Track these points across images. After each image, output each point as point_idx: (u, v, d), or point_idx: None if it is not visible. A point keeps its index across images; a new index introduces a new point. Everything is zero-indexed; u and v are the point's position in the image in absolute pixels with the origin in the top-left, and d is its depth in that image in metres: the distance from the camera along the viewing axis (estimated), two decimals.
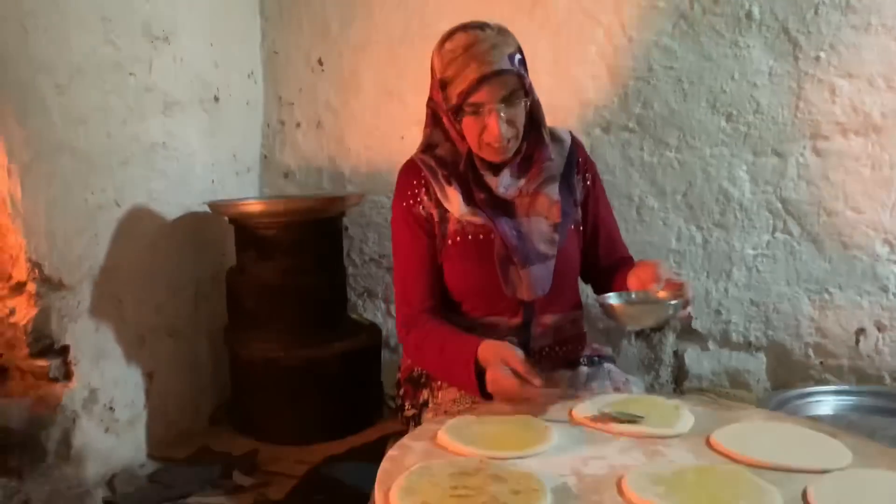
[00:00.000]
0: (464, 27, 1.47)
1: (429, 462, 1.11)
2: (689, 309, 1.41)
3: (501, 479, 1.04)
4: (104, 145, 2.00)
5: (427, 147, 1.60)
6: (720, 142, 2.34)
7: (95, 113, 1.96)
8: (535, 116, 1.55)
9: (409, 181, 1.60)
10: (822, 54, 2.23)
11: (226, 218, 2.39)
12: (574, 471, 1.09)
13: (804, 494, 0.98)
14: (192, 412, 2.43)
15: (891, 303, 2.25)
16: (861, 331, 2.29)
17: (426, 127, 1.61)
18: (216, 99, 2.53)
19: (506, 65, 1.41)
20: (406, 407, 1.67)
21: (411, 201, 1.59)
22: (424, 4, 2.58)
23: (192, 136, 2.41)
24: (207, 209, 2.35)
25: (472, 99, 1.42)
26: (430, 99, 1.58)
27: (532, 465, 1.11)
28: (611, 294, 1.43)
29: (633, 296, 1.41)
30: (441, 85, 1.48)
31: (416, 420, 1.61)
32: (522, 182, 1.56)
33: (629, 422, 1.24)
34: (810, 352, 2.34)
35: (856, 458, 1.10)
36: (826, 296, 2.31)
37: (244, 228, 2.31)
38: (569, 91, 2.44)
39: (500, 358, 1.34)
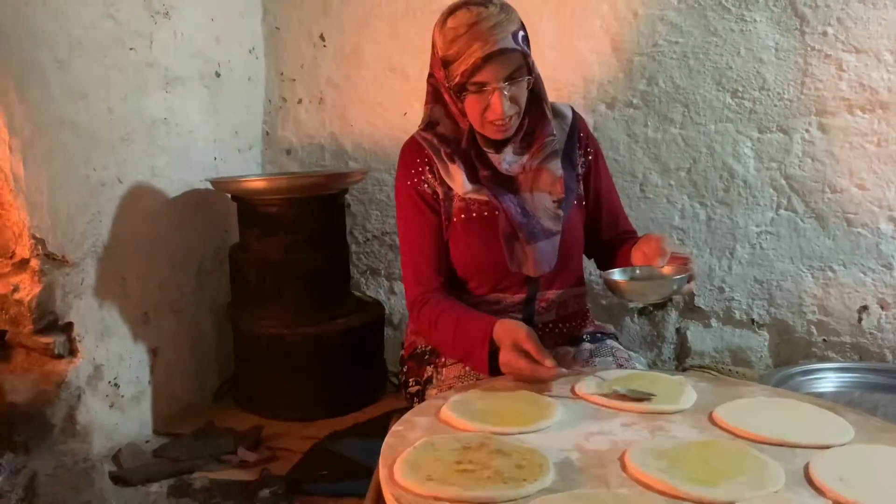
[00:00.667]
0: (466, 3, 1.44)
1: (433, 437, 1.11)
2: (693, 284, 1.41)
3: (505, 453, 1.04)
4: (105, 121, 1.99)
5: (428, 124, 1.58)
6: (725, 118, 2.33)
7: (96, 88, 1.94)
8: (536, 92, 1.54)
9: (412, 159, 1.59)
10: (830, 29, 2.20)
11: (228, 195, 2.39)
12: (577, 446, 1.10)
13: (806, 469, 0.98)
14: (196, 388, 2.45)
15: (894, 280, 2.24)
16: (864, 308, 2.29)
17: (427, 103, 1.59)
18: (217, 75, 2.51)
19: (510, 43, 1.39)
20: (410, 383, 1.68)
21: (416, 179, 1.58)
22: None
23: (194, 112, 2.39)
24: (210, 186, 2.35)
25: (476, 78, 1.41)
26: (431, 75, 1.56)
27: (535, 440, 1.11)
28: (615, 270, 1.43)
29: (638, 271, 1.41)
30: (443, 63, 1.46)
31: (420, 396, 1.61)
32: (525, 158, 1.55)
33: (640, 400, 1.23)
34: (813, 329, 2.34)
35: (858, 433, 1.10)
36: (830, 273, 2.31)
37: (247, 205, 2.31)
38: (573, 66, 2.42)
39: (513, 339, 1.34)
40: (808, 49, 2.23)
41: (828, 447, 1.05)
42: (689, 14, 2.30)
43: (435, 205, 1.57)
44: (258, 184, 2.27)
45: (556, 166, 1.55)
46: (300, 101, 2.79)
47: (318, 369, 2.29)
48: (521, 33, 1.44)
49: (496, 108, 1.43)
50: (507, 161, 1.54)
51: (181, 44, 2.29)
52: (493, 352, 1.39)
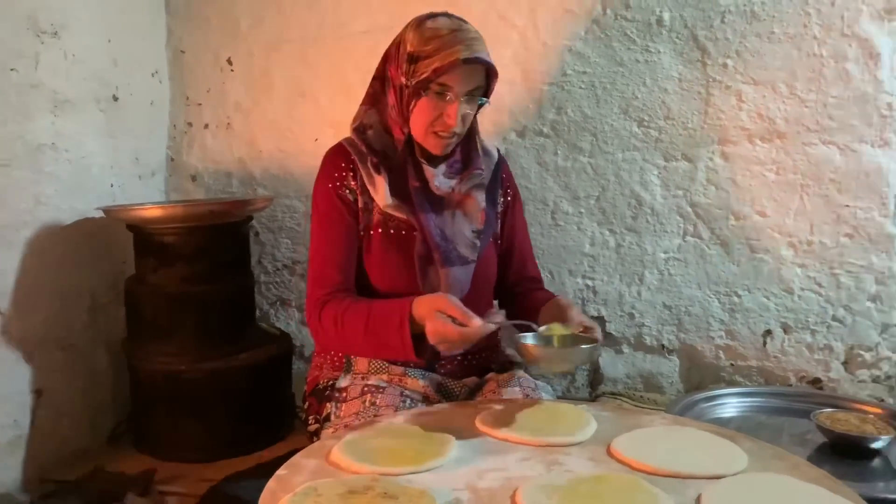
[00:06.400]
0: (446, 14, 1.46)
1: (316, 482, 1.04)
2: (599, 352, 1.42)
3: (392, 496, 0.99)
4: None
5: (359, 127, 1.56)
6: (632, 147, 2.36)
7: None
8: (472, 124, 1.56)
9: (336, 162, 1.56)
10: (730, 61, 2.27)
11: (124, 224, 2.26)
12: (469, 485, 1.05)
13: (698, 501, 0.96)
14: (87, 430, 2.28)
15: (795, 304, 2.30)
16: (768, 332, 2.33)
17: (363, 104, 1.57)
18: (115, 98, 2.39)
19: (487, 57, 1.42)
20: (309, 421, 1.61)
21: (337, 183, 1.54)
22: (337, 4, 2.51)
23: (88, 137, 2.26)
24: (103, 215, 2.22)
25: (445, 79, 1.40)
26: (378, 78, 1.54)
27: (427, 480, 1.06)
28: (527, 335, 1.37)
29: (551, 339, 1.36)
30: (411, 58, 1.43)
31: (319, 435, 1.55)
32: (455, 182, 1.55)
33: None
34: (721, 354, 2.37)
35: (751, 461, 1.10)
36: (735, 298, 2.35)
37: (142, 234, 2.18)
38: None
39: (436, 308, 1.29)
40: (710, 80, 2.29)
41: (721, 477, 1.04)
42: (596, 45, 2.33)
43: (354, 211, 1.53)
44: (153, 212, 2.15)
45: (481, 198, 1.57)
46: (206, 126, 2.70)
47: (220, 407, 2.17)
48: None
49: (451, 117, 1.42)
50: (438, 179, 1.54)
51: (73, 65, 2.17)
52: (417, 337, 1.34)
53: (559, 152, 2.40)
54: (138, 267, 2.24)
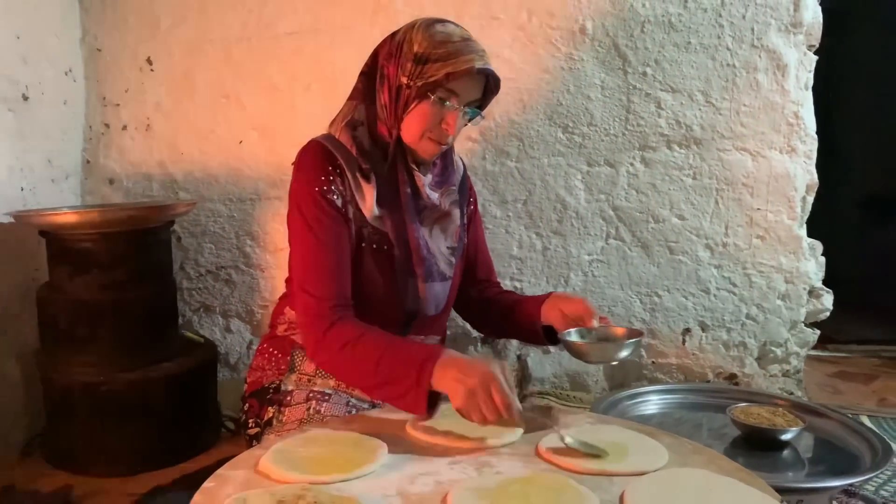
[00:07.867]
0: (453, 22, 1.41)
1: (245, 493, 1.02)
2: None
3: None
4: None
5: (350, 122, 1.45)
6: (557, 152, 2.41)
7: None
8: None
9: (321, 165, 1.42)
10: (649, 69, 2.35)
11: (36, 230, 2.15)
12: (400, 490, 1.05)
13: (621, 499, 1.00)
14: None
15: (712, 303, 2.41)
16: (687, 331, 2.43)
17: (352, 98, 1.48)
18: (25, 98, 2.28)
19: (494, 72, 1.39)
20: (249, 424, 1.55)
21: (324, 187, 1.40)
22: (262, 5, 2.47)
23: None
24: (13, 220, 2.11)
25: (454, 85, 1.35)
26: (366, 74, 1.46)
27: (357, 488, 1.06)
28: (570, 331, 1.42)
29: (593, 333, 1.42)
30: (418, 59, 1.36)
31: (259, 440, 1.50)
32: (437, 194, 1.51)
33: (594, 455, 1.13)
34: (643, 352, 2.45)
35: (672, 457, 1.14)
36: (655, 298, 2.43)
37: (56, 241, 2.09)
38: None
39: (487, 367, 1.22)
40: (631, 87, 2.37)
41: (643, 473, 1.07)
42: (522, 51, 2.38)
43: (345, 217, 1.43)
44: (68, 217, 2.05)
45: (458, 215, 1.55)
46: (125, 128, 2.60)
47: (142, 418, 2.09)
48: None
49: (451, 126, 1.39)
50: (427, 188, 1.48)
51: None
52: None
53: (487, 157, 2.43)
54: (52, 274, 2.14)
